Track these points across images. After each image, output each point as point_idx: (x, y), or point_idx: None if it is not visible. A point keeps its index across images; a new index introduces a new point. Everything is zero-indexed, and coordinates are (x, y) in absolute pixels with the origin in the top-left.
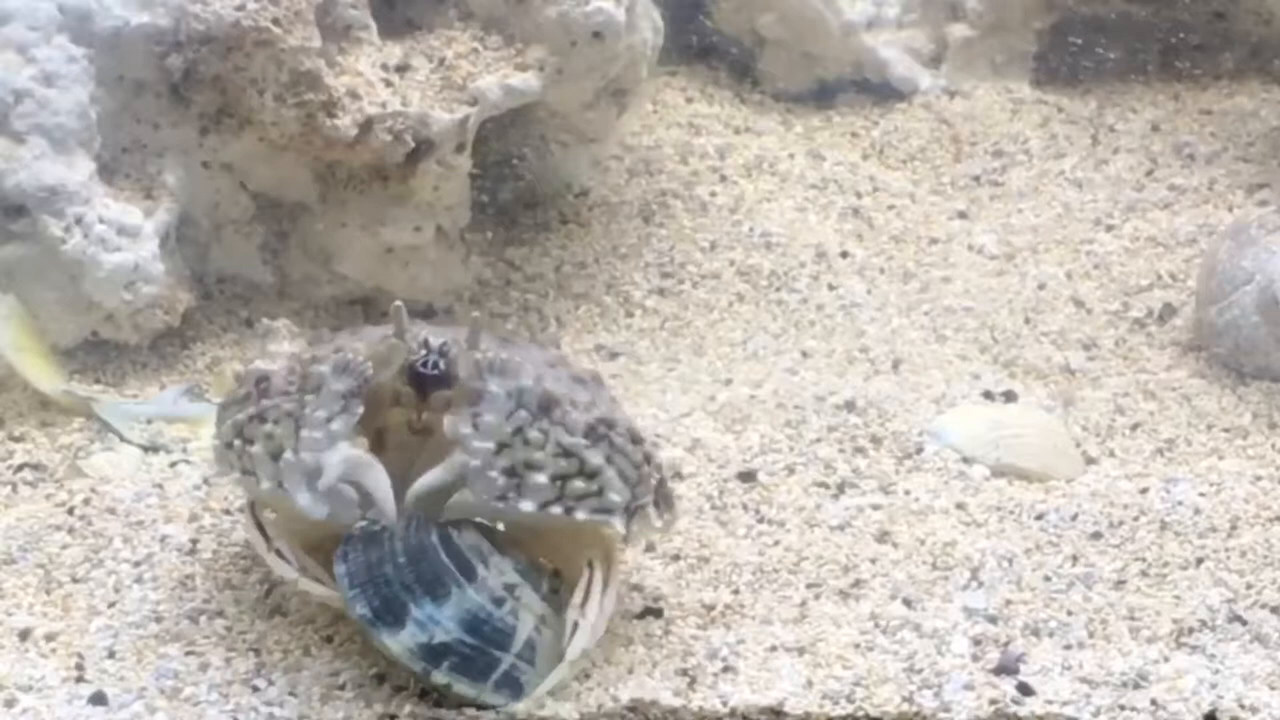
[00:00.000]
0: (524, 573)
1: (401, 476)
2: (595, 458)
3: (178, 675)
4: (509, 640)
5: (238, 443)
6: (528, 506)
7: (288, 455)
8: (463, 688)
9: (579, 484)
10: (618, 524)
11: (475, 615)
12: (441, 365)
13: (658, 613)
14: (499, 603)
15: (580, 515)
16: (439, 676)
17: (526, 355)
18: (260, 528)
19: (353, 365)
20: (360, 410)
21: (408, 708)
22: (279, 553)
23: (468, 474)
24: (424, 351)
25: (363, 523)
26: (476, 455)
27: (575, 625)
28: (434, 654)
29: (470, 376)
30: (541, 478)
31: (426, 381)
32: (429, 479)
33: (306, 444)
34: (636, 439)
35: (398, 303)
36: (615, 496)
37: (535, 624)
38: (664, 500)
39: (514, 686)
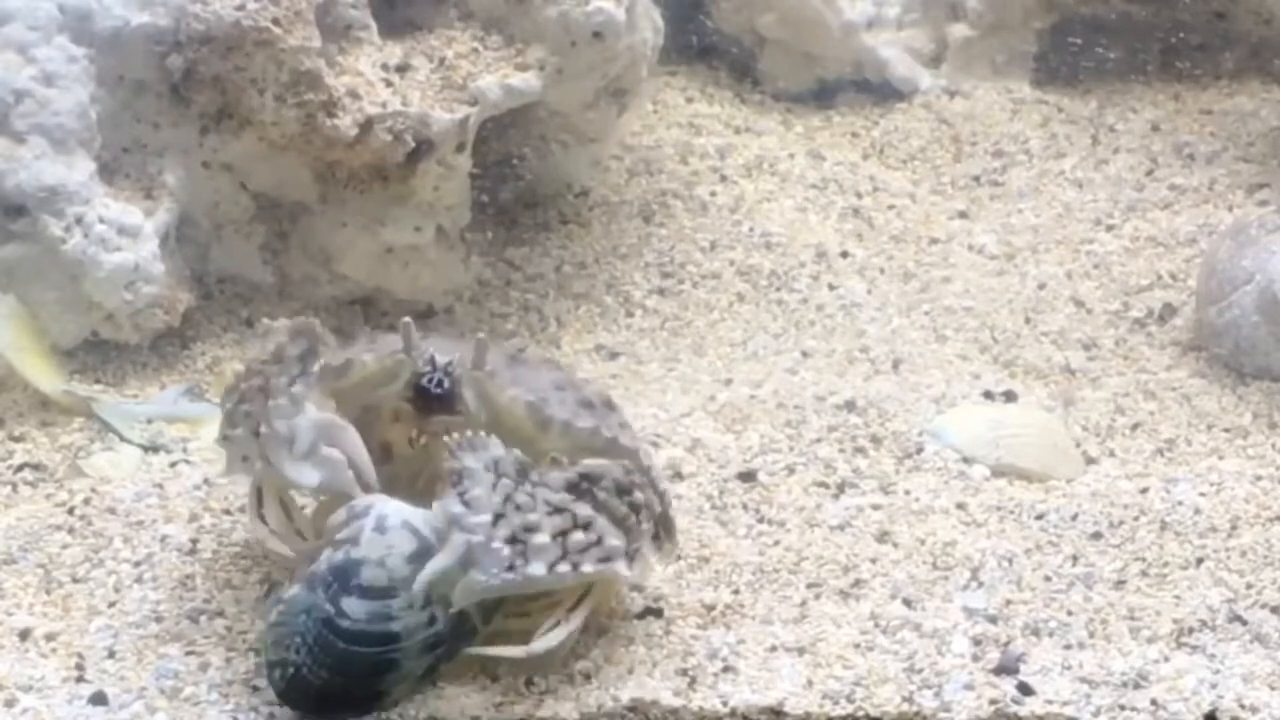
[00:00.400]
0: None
1: (407, 490)
2: (584, 509)
3: (178, 675)
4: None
5: (229, 432)
6: (538, 570)
7: (263, 428)
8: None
9: (579, 536)
10: (622, 569)
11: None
12: (446, 385)
13: (658, 613)
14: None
15: (588, 569)
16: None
17: (535, 376)
18: (259, 511)
19: (304, 328)
20: (316, 368)
21: (409, 710)
22: (262, 518)
23: (473, 553)
24: (430, 369)
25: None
26: (477, 531)
27: (556, 624)
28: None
29: (446, 459)
30: (543, 538)
31: (430, 400)
32: (435, 565)
33: (275, 412)
34: (624, 489)
35: (407, 319)
36: (615, 541)
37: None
38: (664, 533)
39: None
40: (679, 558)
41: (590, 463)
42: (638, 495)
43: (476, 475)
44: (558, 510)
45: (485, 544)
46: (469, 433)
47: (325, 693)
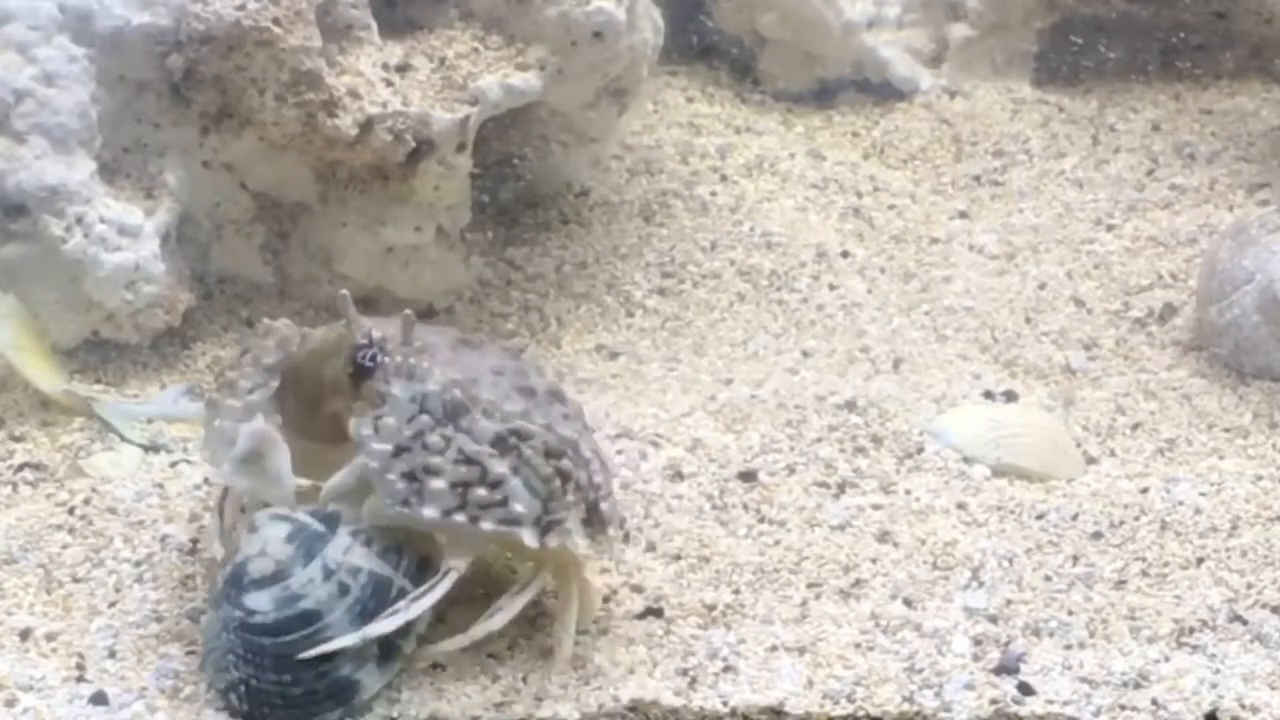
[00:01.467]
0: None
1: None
2: (499, 466)
3: (178, 675)
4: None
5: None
6: (430, 513)
7: (214, 421)
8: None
9: (481, 492)
10: (526, 536)
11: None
12: (378, 359)
13: (659, 613)
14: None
15: (486, 525)
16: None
17: (478, 359)
18: (221, 509)
19: (285, 341)
20: (276, 385)
21: (410, 710)
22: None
23: (370, 478)
24: (365, 343)
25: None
26: (375, 458)
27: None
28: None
29: (377, 380)
30: (440, 483)
31: (363, 373)
32: (335, 480)
33: (228, 412)
34: (554, 453)
35: (343, 291)
36: (519, 507)
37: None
38: (597, 521)
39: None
40: (679, 558)
41: (529, 424)
42: (566, 464)
43: (397, 404)
44: (468, 460)
45: (380, 472)
46: (411, 361)
47: (287, 695)
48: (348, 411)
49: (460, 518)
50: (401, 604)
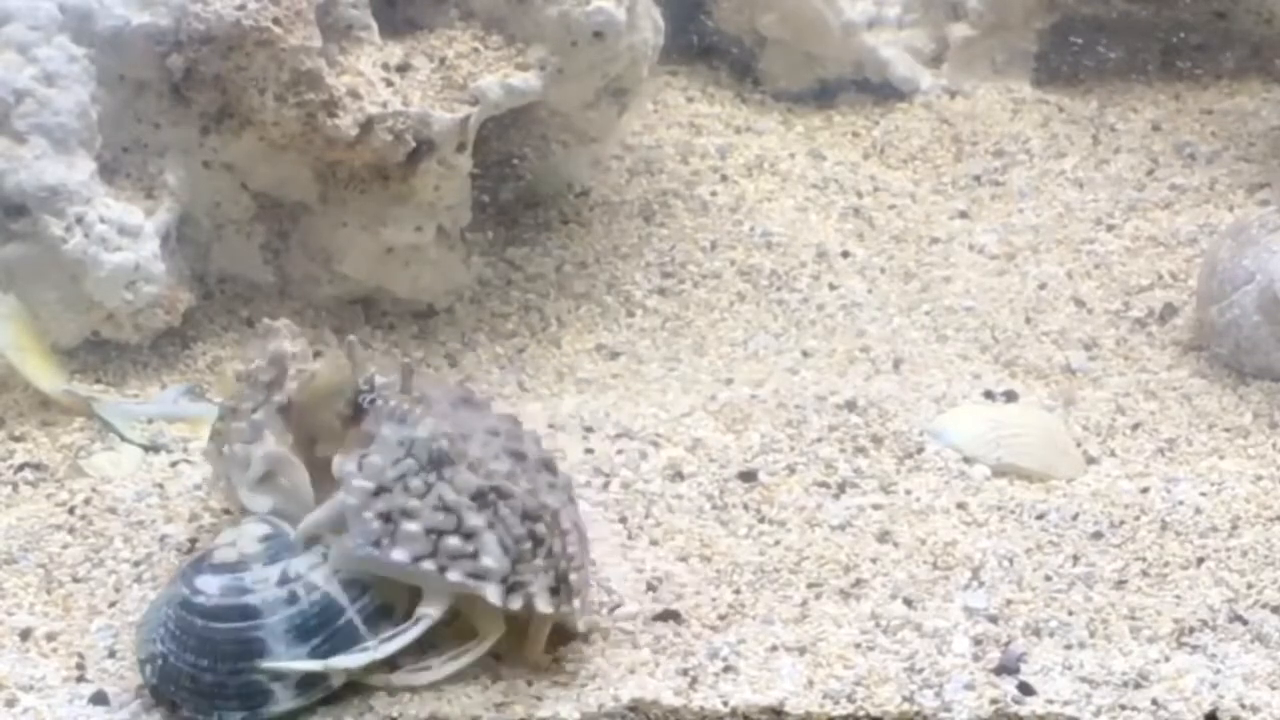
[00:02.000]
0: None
1: None
2: (475, 519)
3: None
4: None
5: (211, 447)
6: (400, 556)
7: (225, 449)
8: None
9: (453, 542)
10: (491, 593)
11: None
12: (375, 403)
13: (675, 615)
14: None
15: (453, 576)
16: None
17: (475, 418)
18: None
19: (276, 356)
20: (280, 399)
21: (410, 710)
22: None
23: (346, 514)
24: (367, 388)
25: None
26: (354, 494)
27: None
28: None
29: (368, 422)
30: (414, 526)
31: (357, 415)
32: (313, 516)
33: (236, 435)
34: (531, 516)
35: (352, 338)
36: (489, 562)
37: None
38: (565, 591)
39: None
40: (681, 559)
41: (510, 484)
42: (540, 529)
43: (385, 445)
44: (446, 509)
45: (358, 510)
46: (404, 406)
47: (198, 680)
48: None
49: (429, 565)
50: (372, 642)
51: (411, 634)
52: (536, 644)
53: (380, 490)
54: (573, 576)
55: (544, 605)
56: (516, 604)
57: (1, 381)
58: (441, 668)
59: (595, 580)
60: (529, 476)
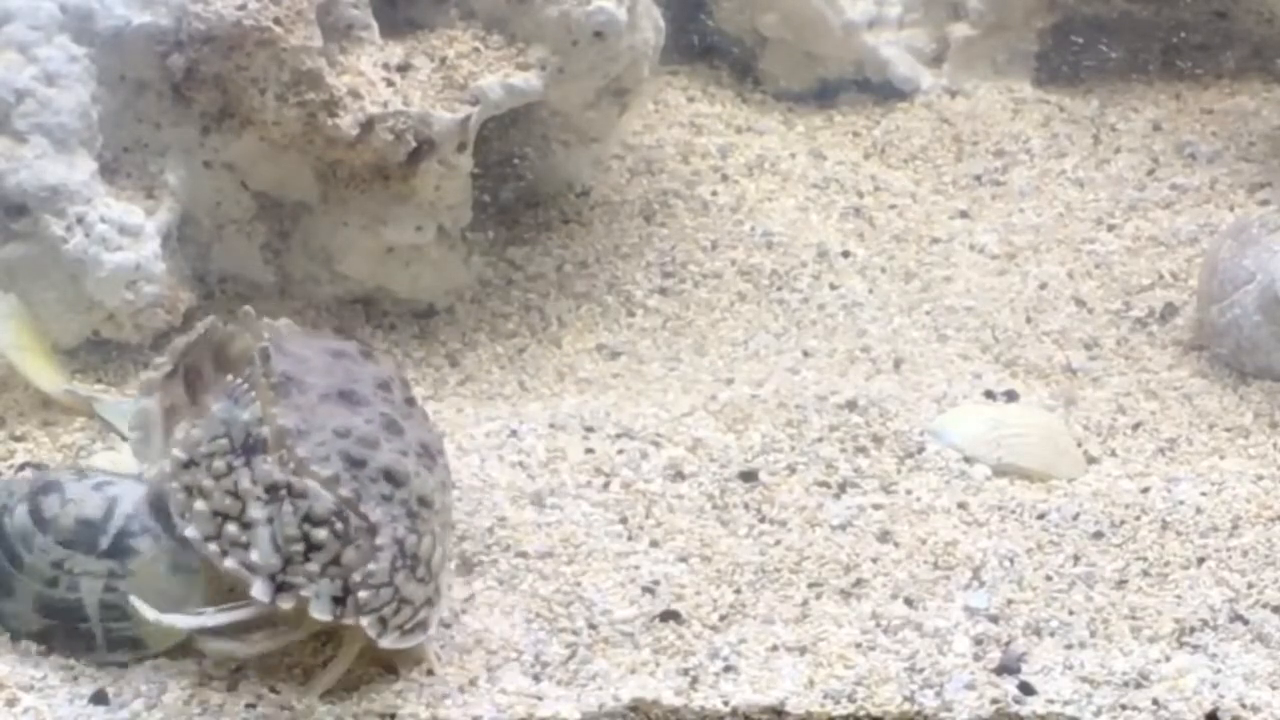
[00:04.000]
0: (71, 543)
1: None
2: (257, 512)
3: None
4: (80, 611)
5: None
6: (191, 532)
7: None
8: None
9: (232, 529)
10: (258, 588)
11: (41, 600)
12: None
13: (676, 615)
14: (52, 583)
15: (229, 563)
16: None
17: (345, 413)
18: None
19: (209, 327)
20: (166, 366)
21: (415, 709)
22: None
23: (160, 481)
24: (263, 354)
25: None
26: (169, 462)
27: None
28: (45, 638)
29: (213, 394)
30: (203, 506)
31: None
32: (150, 473)
33: (140, 386)
34: (315, 520)
35: (246, 308)
36: (256, 557)
37: (102, 584)
38: (351, 604)
39: (128, 644)
40: (682, 558)
41: (309, 483)
42: (321, 534)
43: (210, 421)
44: (235, 495)
45: (169, 478)
46: (245, 384)
47: None
48: None
49: (214, 547)
50: (208, 610)
51: (241, 614)
52: (342, 660)
53: (190, 464)
54: (363, 594)
55: (320, 611)
56: (288, 604)
57: (2, 381)
58: (215, 616)
59: (436, 610)
60: (360, 485)
